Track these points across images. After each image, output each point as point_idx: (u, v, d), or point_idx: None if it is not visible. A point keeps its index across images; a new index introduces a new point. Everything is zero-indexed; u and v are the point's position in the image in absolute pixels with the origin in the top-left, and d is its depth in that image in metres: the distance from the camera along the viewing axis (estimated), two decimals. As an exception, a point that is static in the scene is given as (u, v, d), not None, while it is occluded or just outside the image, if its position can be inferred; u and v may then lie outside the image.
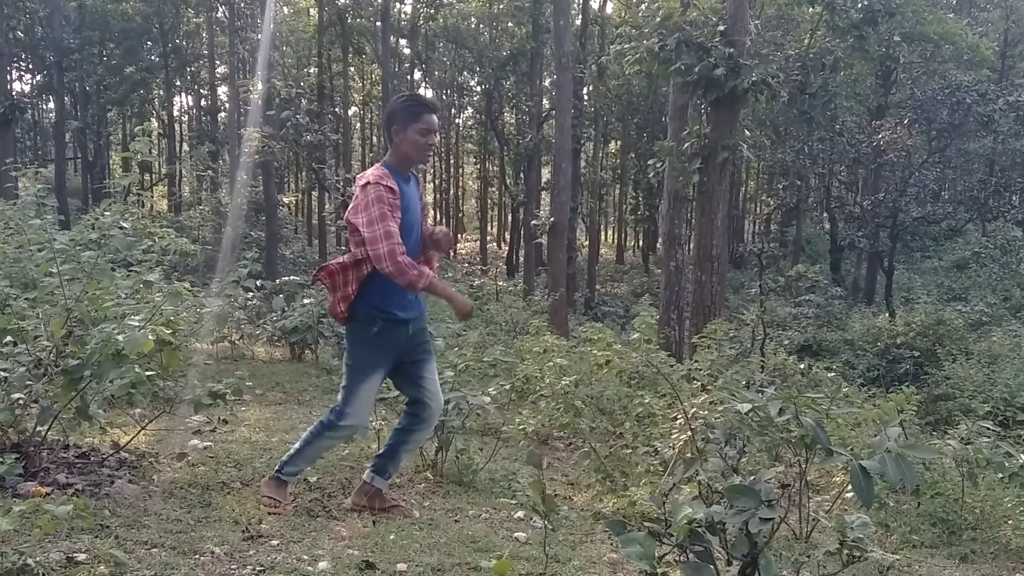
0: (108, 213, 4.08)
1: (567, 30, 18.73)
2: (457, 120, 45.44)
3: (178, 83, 40.23)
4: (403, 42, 37.64)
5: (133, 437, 4.21)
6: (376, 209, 3.31)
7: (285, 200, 35.01)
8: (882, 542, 4.42)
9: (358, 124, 45.44)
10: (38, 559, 2.50)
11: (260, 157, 20.47)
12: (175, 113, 43.47)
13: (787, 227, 33.33)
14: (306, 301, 9.25)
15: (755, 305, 17.17)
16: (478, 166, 46.86)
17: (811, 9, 18.76)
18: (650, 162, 15.20)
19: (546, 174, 33.51)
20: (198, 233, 26.10)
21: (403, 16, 36.27)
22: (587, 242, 35.63)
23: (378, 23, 30.44)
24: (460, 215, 50.44)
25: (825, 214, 28.95)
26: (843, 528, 2.34)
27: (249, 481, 3.99)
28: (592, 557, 3.51)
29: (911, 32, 22.87)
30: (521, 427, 5.72)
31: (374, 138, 45.97)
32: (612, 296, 32.29)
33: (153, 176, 39.93)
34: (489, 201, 47.30)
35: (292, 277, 11.94)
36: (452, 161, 47.57)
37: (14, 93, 28.30)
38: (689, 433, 4.15)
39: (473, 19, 38.02)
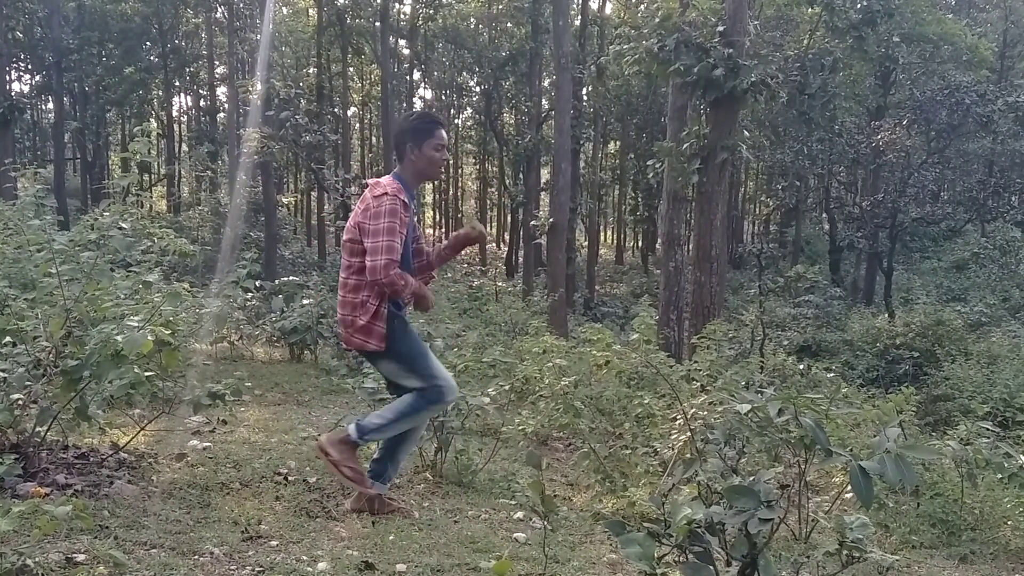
0: (107, 213, 4.07)
1: (566, 30, 18.74)
2: (456, 120, 45.44)
3: (177, 83, 40.21)
4: (402, 42, 37.63)
5: (132, 438, 4.21)
6: (387, 222, 3.37)
7: (284, 200, 34.97)
8: (881, 543, 4.42)
9: (357, 124, 45.42)
10: (37, 559, 2.50)
11: (259, 157, 20.46)
12: (174, 113, 43.45)
13: (786, 228, 33.34)
14: (305, 302, 9.26)
15: (754, 306, 17.17)
16: (477, 166, 46.89)
17: (810, 10, 18.76)
18: (649, 163, 15.21)
19: (545, 174, 33.52)
20: (197, 233, 26.10)
21: (402, 16, 36.26)
22: (586, 243, 35.63)
23: (377, 23, 30.42)
24: (459, 215, 50.43)
25: (824, 215, 28.93)
26: (842, 529, 2.34)
27: (248, 482, 3.99)
28: (591, 558, 3.51)
29: (910, 33, 22.86)
30: (520, 428, 5.72)
31: (373, 138, 45.99)
32: (611, 297, 32.29)
33: (152, 176, 39.90)
34: (488, 201, 47.31)
35: (291, 278, 11.95)
36: (452, 162, 47.55)
37: (13, 93, 28.31)
38: (688, 434, 4.15)
39: (472, 19, 38.03)
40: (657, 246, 32.90)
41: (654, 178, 15.62)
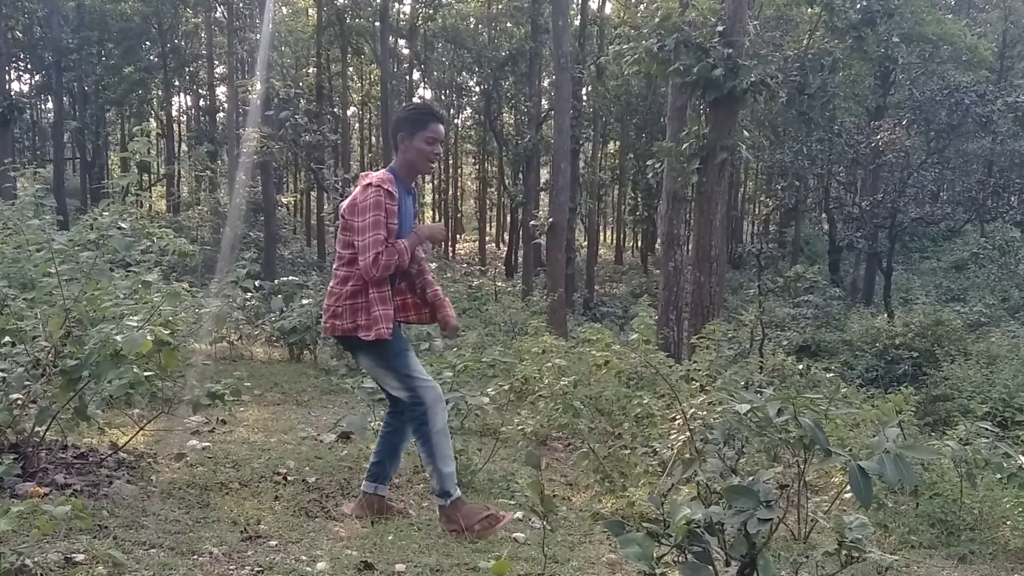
0: (106, 213, 4.07)
1: (566, 30, 18.74)
2: (456, 120, 45.44)
3: (177, 83, 40.22)
4: (402, 42, 37.64)
5: (131, 438, 4.21)
6: (372, 215, 3.35)
7: (284, 200, 35.00)
8: (881, 543, 4.42)
9: (357, 124, 45.42)
10: (36, 559, 2.50)
11: (259, 157, 20.47)
12: (174, 113, 43.45)
13: (786, 228, 33.35)
14: (304, 302, 9.25)
15: (754, 306, 17.18)
16: (477, 166, 46.87)
17: (810, 10, 18.77)
18: (649, 163, 15.20)
19: (545, 174, 33.51)
20: (197, 233, 26.08)
21: (402, 16, 36.27)
22: (586, 243, 35.63)
23: (377, 23, 30.43)
24: (459, 215, 50.44)
25: (824, 215, 28.95)
26: (841, 528, 2.34)
27: (247, 482, 3.99)
28: (591, 557, 3.51)
29: (910, 33, 22.87)
30: (520, 427, 5.72)
31: (373, 138, 45.98)
32: (611, 296, 32.29)
33: (152, 176, 39.88)
34: (488, 201, 47.31)
35: (291, 277, 11.95)
36: (451, 161, 47.55)
37: (12, 93, 28.29)
38: (688, 434, 4.15)
39: (472, 19, 38.02)
40: (656, 246, 32.91)
41: (653, 178, 15.62)
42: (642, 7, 14.96)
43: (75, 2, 31.46)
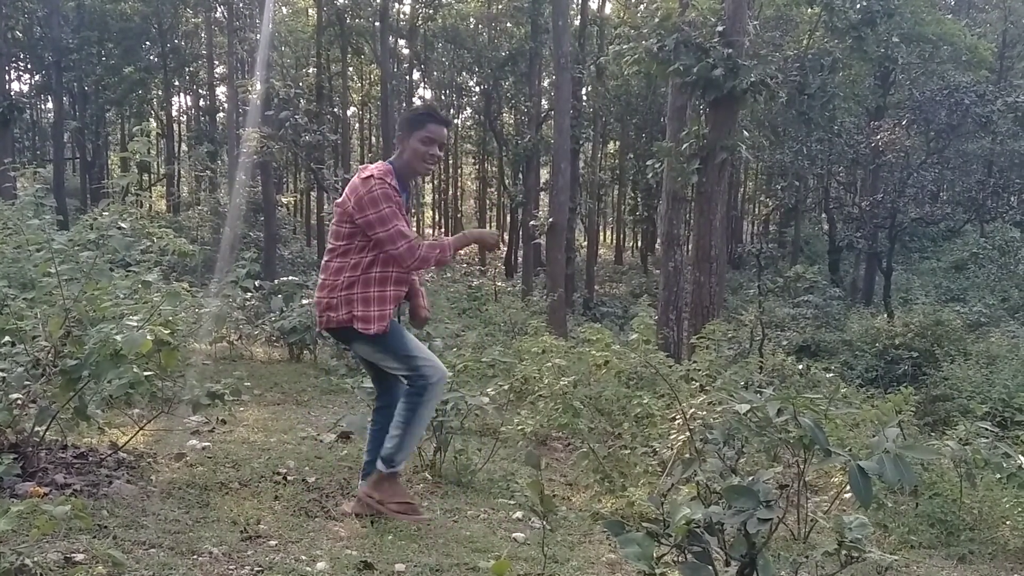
0: (106, 213, 4.07)
1: (566, 30, 18.74)
2: (456, 120, 45.43)
3: (177, 83, 40.22)
4: (402, 42, 37.63)
5: (131, 437, 4.21)
6: (386, 207, 3.34)
7: (284, 200, 34.98)
8: (880, 543, 4.42)
9: (357, 124, 45.44)
10: (36, 559, 2.50)
11: (259, 157, 20.46)
12: (174, 113, 43.45)
13: (785, 228, 33.35)
14: (304, 302, 9.25)
15: (753, 306, 17.18)
16: (477, 166, 46.88)
17: (810, 10, 18.78)
18: (649, 163, 15.21)
19: (545, 174, 33.52)
20: (197, 233, 26.07)
21: (402, 16, 36.26)
22: (586, 243, 35.64)
23: (377, 23, 30.42)
24: (459, 215, 50.43)
25: (823, 215, 28.96)
26: (841, 528, 2.34)
27: (247, 482, 3.99)
28: (590, 557, 3.51)
29: (909, 33, 22.87)
30: (519, 427, 5.72)
31: (373, 138, 45.98)
32: (611, 297, 32.29)
33: (152, 176, 39.90)
34: (488, 201, 47.31)
35: (291, 277, 11.94)
36: (451, 161, 47.57)
37: (12, 93, 28.28)
38: (687, 433, 4.15)
39: (472, 19, 38.01)
40: (656, 246, 32.92)
41: (653, 178, 15.62)
42: (642, 7, 14.97)
43: (75, 2, 31.46)
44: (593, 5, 33.05)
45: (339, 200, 3.51)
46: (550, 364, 6.47)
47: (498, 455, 5.14)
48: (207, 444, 4.66)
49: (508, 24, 34.49)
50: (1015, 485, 4.97)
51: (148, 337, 3.35)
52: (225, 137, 30.56)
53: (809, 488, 4.57)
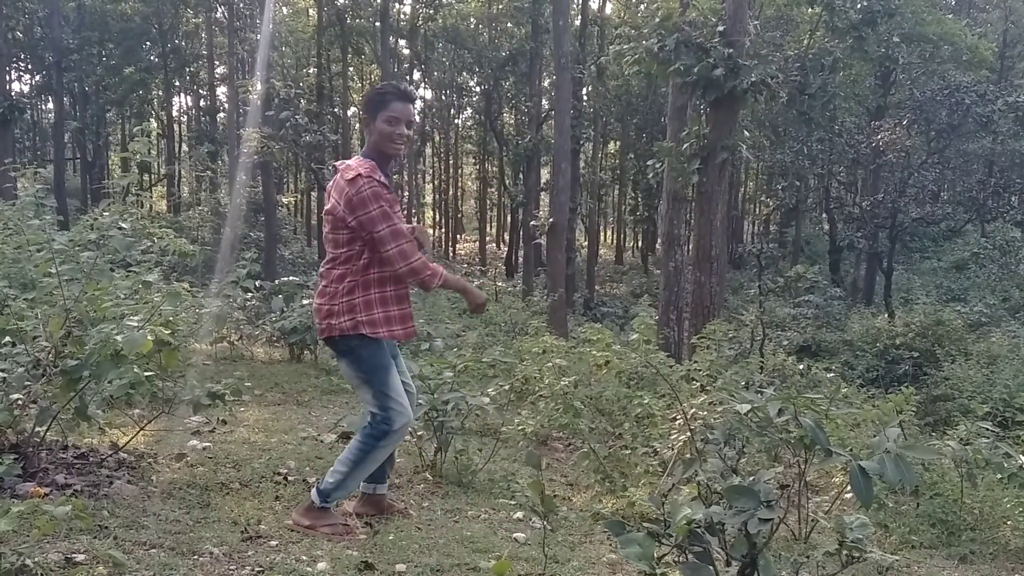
0: (107, 213, 4.07)
1: (566, 30, 18.75)
2: (456, 120, 45.46)
3: (177, 83, 40.22)
4: (402, 42, 37.64)
5: (132, 438, 4.21)
6: (377, 207, 3.20)
7: (284, 200, 35.01)
8: (881, 543, 4.42)
9: (357, 124, 45.43)
10: (37, 560, 2.50)
11: (259, 157, 20.47)
12: (174, 113, 43.46)
13: (786, 228, 33.35)
14: (305, 302, 9.25)
15: (754, 306, 17.18)
16: (477, 167, 46.88)
17: (810, 10, 18.77)
18: (649, 163, 15.21)
19: (545, 175, 33.55)
20: (197, 233, 26.10)
21: (402, 16, 36.27)
22: (586, 243, 35.65)
23: (377, 23, 30.44)
24: (459, 216, 50.44)
25: (824, 215, 28.93)
26: (842, 529, 2.34)
27: (248, 482, 3.99)
28: (591, 558, 3.51)
29: (910, 33, 22.87)
30: (520, 428, 5.72)
31: (373, 139, 45.86)
32: (611, 297, 32.30)
33: (152, 176, 39.93)
34: (488, 202, 47.31)
35: (291, 277, 11.94)
36: (451, 161, 47.59)
37: (13, 93, 28.31)
38: (688, 434, 4.15)
39: (472, 19, 38.03)
40: (657, 246, 32.92)
41: (654, 178, 15.62)
42: (642, 7, 14.98)
43: (75, 2, 31.48)
44: (593, 5, 33.10)
45: (328, 207, 3.36)
46: (551, 364, 6.46)
47: (499, 455, 5.14)
48: (208, 444, 4.66)
49: (508, 24, 34.51)
50: (1016, 485, 4.97)
51: (149, 337, 3.35)
52: (226, 137, 30.55)
53: (810, 488, 4.57)
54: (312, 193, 37.11)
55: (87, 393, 3.65)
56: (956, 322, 16.22)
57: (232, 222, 22.23)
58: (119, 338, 3.32)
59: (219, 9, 31.66)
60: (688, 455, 3.93)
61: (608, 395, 6.10)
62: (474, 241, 47.56)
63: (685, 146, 12.50)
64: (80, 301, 3.67)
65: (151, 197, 38.30)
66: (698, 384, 6.34)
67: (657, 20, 12.17)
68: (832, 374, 10.04)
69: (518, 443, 5.71)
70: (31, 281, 5.03)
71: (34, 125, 41.90)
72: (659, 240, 24.75)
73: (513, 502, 4.14)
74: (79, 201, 31.21)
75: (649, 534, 2.22)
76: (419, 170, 43.56)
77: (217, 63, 35.42)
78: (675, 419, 4.81)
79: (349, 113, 33.25)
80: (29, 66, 35.76)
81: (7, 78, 27.96)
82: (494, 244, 48.55)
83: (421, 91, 43.49)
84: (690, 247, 15.03)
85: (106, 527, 3.05)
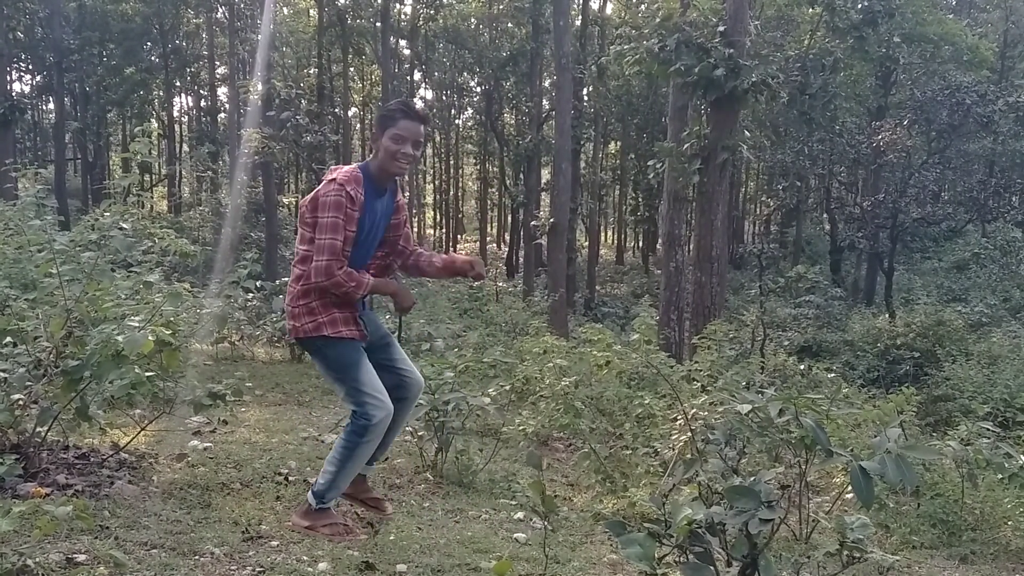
0: (108, 214, 4.07)
1: (567, 31, 18.75)
2: (457, 121, 45.46)
3: (178, 84, 40.23)
4: (403, 43, 37.66)
5: (133, 438, 4.21)
6: (331, 216, 3.16)
7: (285, 201, 34.99)
8: (882, 543, 4.42)
9: (358, 125, 45.43)
10: (38, 560, 2.50)
11: (260, 158, 20.47)
12: (175, 114, 43.48)
13: (787, 228, 33.34)
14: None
15: (755, 306, 17.16)
16: (478, 167, 46.87)
17: (811, 10, 18.80)
18: (650, 163, 15.22)
19: (546, 175, 33.53)
20: (198, 234, 26.08)
21: (403, 17, 36.28)
22: (587, 243, 35.65)
23: (378, 24, 30.45)
24: (460, 216, 50.44)
25: (825, 215, 28.94)
26: (843, 529, 2.34)
27: (249, 482, 3.99)
28: (592, 558, 3.51)
29: (911, 33, 22.88)
30: (521, 428, 5.72)
31: (374, 139, 45.86)
32: (612, 297, 32.30)
33: (153, 177, 39.94)
34: (489, 202, 47.31)
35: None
36: (452, 162, 47.59)
37: (14, 94, 28.32)
38: (689, 434, 4.15)
39: (473, 20, 38.04)
40: (657, 246, 32.89)
41: (655, 178, 15.63)
42: (643, 7, 14.98)
43: (76, 3, 31.48)
44: (594, 5, 33.11)
45: (303, 200, 3.36)
46: (551, 364, 6.46)
47: (499, 455, 5.14)
48: (208, 445, 4.66)
49: (509, 24, 34.51)
50: (1017, 485, 4.97)
51: (150, 338, 3.35)
52: (226, 138, 30.58)
53: (811, 488, 4.57)
54: (313, 193, 36.97)
55: (88, 393, 3.65)
56: (957, 322, 16.23)
57: (233, 222, 22.24)
58: (120, 338, 3.32)
59: (220, 9, 31.69)
60: (689, 455, 3.93)
61: (609, 395, 6.10)
62: (475, 241, 47.56)
63: (686, 146, 12.51)
64: (81, 301, 3.67)
65: (152, 197, 38.33)
66: (699, 384, 6.35)
67: (658, 20, 12.18)
68: (833, 374, 10.05)
69: (519, 443, 5.72)
70: (32, 281, 5.04)
71: (35, 125, 41.92)
72: (660, 240, 24.75)
73: (514, 502, 4.14)
74: (80, 201, 31.23)
75: (650, 534, 2.22)
76: (419, 170, 43.57)
77: (218, 63, 35.43)
78: (676, 419, 4.81)
79: (350, 113, 33.30)
80: (30, 66, 35.77)
81: (8, 78, 27.99)
82: (495, 244, 48.55)
83: (421, 91, 43.57)
84: (691, 247, 15.03)
85: (107, 527, 3.05)
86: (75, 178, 38.86)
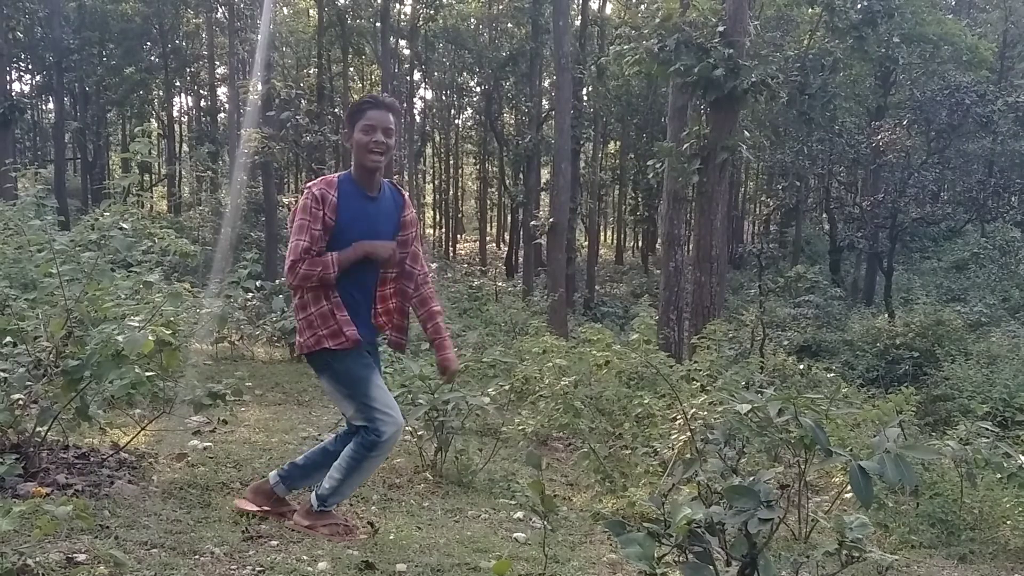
0: (108, 214, 4.08)
1: (566, 31, 18.75)
2: (456, 121, 45.46)
3: (178, 84, 40.20)
4: (403, 43, 37.62)
5: (133, 438, 4.21)
6: (298, 219, 3.19)
7: (285, 201, 34.96)
8: (881, 542, 4.43)
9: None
10: (38, 559, 2.51)
11: (260, 158, 20.48)
12: (175, 114, 43.44)
13: (786, 228, 33.35)
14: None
15: (754, 306, 17.18)
16: (477, 167, 46.88)
17: (810, 10, 18.77)
18: (649, 163, 15.21)
19: (545, 175, 33.56)
20: (198, 234, 26.06)
21: (403, 17, 36.26)
22: (586, 243, 35.65)
23: (378, 24, 30.42)
24: (459, 216, 50.43)
25: (824, 215, 28.96)
26: (842, 528, 2.35)
27: (249, 482, 3.99)
28: (591, 557, 3.51)
29: (910, 33, 22.88)
30: (520, 428, 5.72)
31: (373, 139, 45.82)
32: (611, 297, 32.30)
33: (153, 177, 39.89)
34: (488, 202, 47.31)
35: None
36: (451, 162, 47.59)
37: (14, 94, 28.29)
38: (688, 434, 4.16)
39: (473, 20, 38.03)
40: (657, 246, 32.91)
41: (654, 178, 15.62)
42: (643, 7, 14.98)
43: (76, 2, 31.47)
44: (594, 5, 33.09)
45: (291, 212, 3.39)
46: (551, 364, 6.47)
47: (499, 455, 5.15)
48: (208, 444, 4.67)
49: (509, 24, 34.51)
50: (1016, 485, 4.98)
51: (150, 337, 3.35)
52: (226, 138, 30.55)
53: (810, 488, 4.58)
54: (312, 193, 36.93)
55: (88, 393, 3.65)
56: (956, 322, 16.24)
57: (232, 222, 22.23)
58: (120, 338, 3.32)
59: (220, 9, 31.66)
60: (688, 455, 3.94)
61: (608, 395, 6.11)
62: (474, 241, 47.55)
63: (685, 146, 12.50)
64: (81, 301, 3.67)
65: (152, 197, 38.31)
66: (698, 384, 6.35)
67: (657, 20, 12.18)
68: (832, 374, 10.06)
69: (518, 443, 5.72)
70: (32, 281, 5.04)
71: (34, 125, 41.90)
72: (659, 240, 24.76)
73: (513, 502, 4.14)
74: (80, 201, 31.22)
75: (649, 534, 2.23)
76: (419, 170, 43.54)
77: (218, 63, 35.42)
78: (675, 419, 4.81)
79: (350, 113, 33.15)
80: (30, 66, 35.73)
81: (7, 78, 27.96)
82: (494, 244, 48.54)
83: (421, 91, 43.54)
84: (690, 247, 15.03)
85: (107, 527, 3.06)
86: (75, 178, 38.84)
